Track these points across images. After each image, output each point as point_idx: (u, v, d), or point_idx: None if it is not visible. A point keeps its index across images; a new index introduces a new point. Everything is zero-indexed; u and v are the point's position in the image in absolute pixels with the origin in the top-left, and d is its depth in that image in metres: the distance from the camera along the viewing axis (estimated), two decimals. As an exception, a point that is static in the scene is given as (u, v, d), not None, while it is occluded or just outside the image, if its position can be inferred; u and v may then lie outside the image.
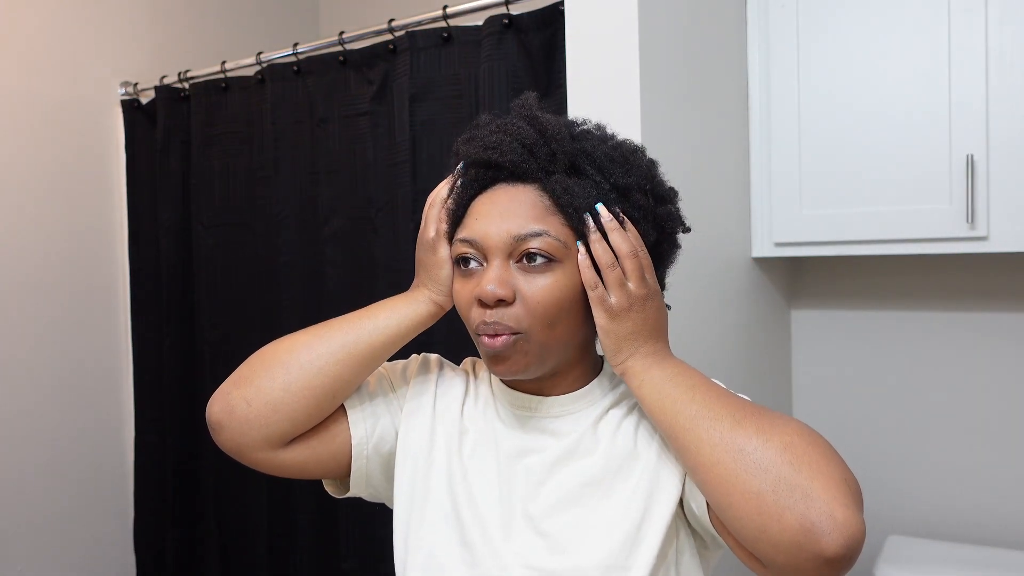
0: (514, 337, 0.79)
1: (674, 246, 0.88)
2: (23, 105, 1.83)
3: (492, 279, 0.79)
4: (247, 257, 1.84)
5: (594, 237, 0.79)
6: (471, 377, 0.96)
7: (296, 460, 0.87)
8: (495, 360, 0.81)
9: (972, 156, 1.44)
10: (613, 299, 0.79)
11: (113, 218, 2.02)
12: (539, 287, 0.79)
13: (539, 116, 0.83)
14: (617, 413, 0.87)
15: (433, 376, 0.94)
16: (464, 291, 0.83)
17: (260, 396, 0.83)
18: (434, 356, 0.98)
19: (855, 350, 1.87)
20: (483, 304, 0.80)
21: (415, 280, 0.90)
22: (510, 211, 0.81)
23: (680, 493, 0.79)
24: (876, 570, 1.61)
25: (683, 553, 0.81)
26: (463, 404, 0.92)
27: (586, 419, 0.87)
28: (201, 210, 1.90)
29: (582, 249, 0.79)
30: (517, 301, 0.79)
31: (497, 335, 0.79)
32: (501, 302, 0.79)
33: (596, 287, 0.79)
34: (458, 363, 1.01)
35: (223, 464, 1.87)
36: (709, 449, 0.71)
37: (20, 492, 1.81)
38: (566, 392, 0.88)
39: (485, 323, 0.80)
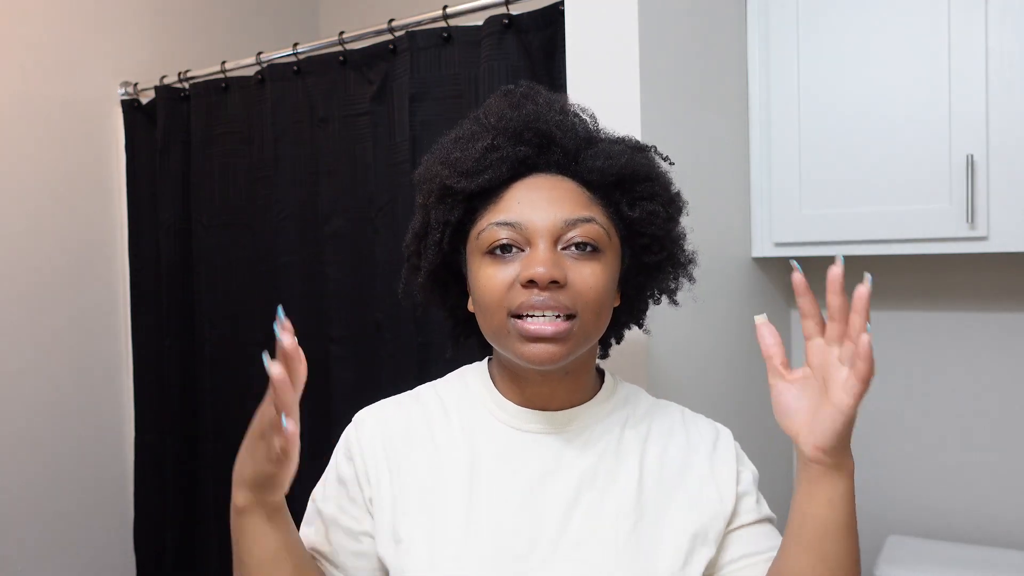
0: (569, 321, 0.76)
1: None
2: (23, 105, 1.83)
3: (544, 260, 0.75)
4: (247, 257, 1.83)
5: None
6: (437, 406, 0.89)
7: None
8: (544, 342, 0.75)
9: (972, 156, 1.44)
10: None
11: (113, 218, 2.02)
12: (588, 274, 0.78)
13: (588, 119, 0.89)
14: (635, 435, 0.86)
15: (366, 453, 0.87)
16: (502, 275, 0.78)
17: None
18: (351, 433, 0.90)
19: (855, 350, 1.87)
20: (531, 286, 0.76)
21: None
22: (554, 198, 0.80)
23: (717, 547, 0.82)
24: (876, 570, 1.61)
25: None
26: (440, 447, 0.86)
27: (602, 437, 0.85)
28: (201, 210, 1.90)
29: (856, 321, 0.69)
30: (568, 285, 0.77)
31: (549, 315, 0.76)
32: (554, 283, 0.76)
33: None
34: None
35: (222, 464, 1.87)
36: None
37: (20, 492, 1.81)
38: (573, 405, 0.86)
39: (540, 301, 0.75)
